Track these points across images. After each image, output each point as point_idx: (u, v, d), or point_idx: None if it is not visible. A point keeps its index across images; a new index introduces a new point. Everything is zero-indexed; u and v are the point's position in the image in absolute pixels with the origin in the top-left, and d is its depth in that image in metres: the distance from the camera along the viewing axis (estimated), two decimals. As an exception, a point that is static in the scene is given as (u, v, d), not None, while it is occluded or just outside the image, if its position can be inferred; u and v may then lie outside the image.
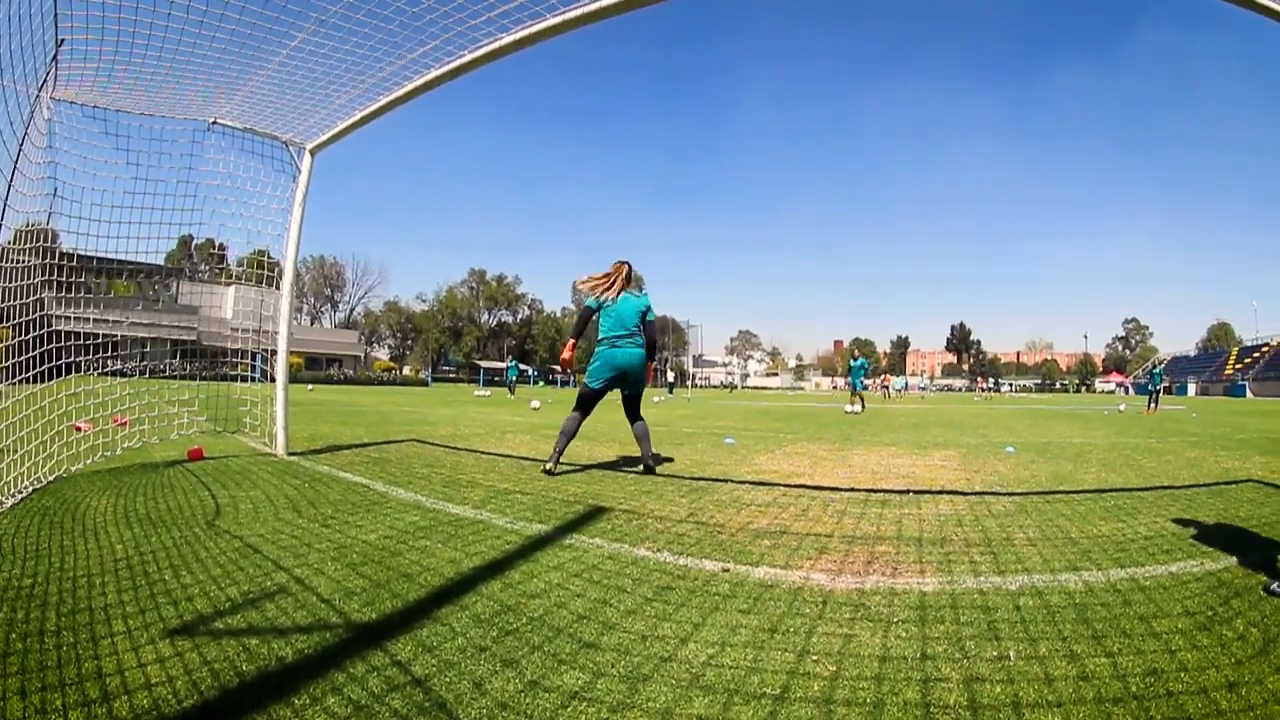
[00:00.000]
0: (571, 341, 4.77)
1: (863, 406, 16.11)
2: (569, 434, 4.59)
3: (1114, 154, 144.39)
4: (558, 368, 77.03)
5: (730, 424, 10.95)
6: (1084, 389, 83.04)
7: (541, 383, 67.40)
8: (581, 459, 5.51)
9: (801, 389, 79.29)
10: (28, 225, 4.02)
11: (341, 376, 48.22)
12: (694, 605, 2.00)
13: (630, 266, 4.80)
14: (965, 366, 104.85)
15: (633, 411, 4.86)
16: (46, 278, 4.14)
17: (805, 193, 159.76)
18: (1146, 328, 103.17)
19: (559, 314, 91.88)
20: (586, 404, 4.70)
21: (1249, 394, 51.97)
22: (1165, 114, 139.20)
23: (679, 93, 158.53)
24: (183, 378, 5.76)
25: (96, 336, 4.79)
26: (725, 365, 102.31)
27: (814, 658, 1.65)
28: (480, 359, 75.81)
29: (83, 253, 4.54)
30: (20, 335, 3.71)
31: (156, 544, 2.59)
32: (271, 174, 5.45)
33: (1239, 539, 2.90)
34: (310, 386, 30.93)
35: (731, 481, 4.44)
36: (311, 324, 74.41)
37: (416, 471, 4.65)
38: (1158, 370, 20.39)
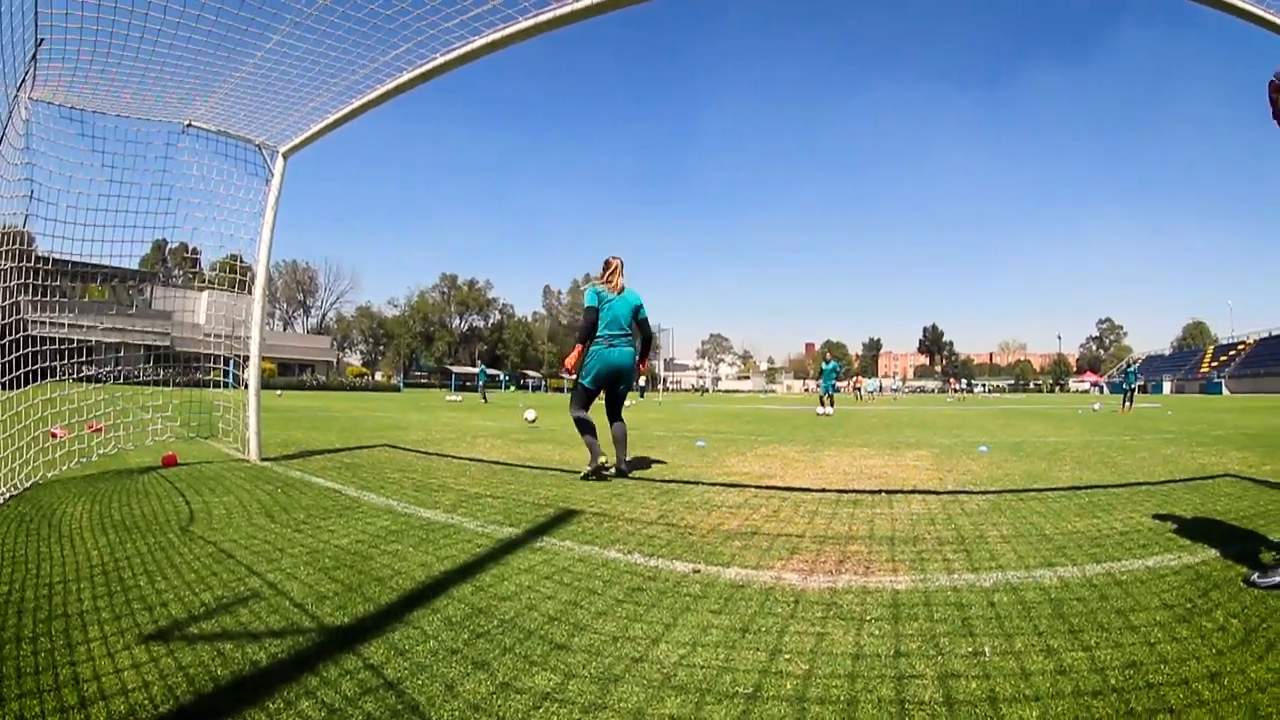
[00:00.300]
0: (579, 348, 4.74)
1: (833, 407, 16.28)
2: (591, 428, 4.63)
3: (1087, 155, 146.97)
4: (531, 372, 76.92)
5: (701, 427, 11.02)
6: (1058, 389, 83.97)
7: (513, 387, 67.14)
8: (553, 462, 5.56)
9: (773, 392, 79.41)
10: (3, 228, 3.98)
11: (314, 382, 47.49)
12: (665, 606, 2.01)
13: (622, 262, 4.89)
14: (938, 368, 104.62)
15: (614, 411, 4.93)
16: (22, 281, 4.10)
17: (777, 196, 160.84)
18: (1121, 328, 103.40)
19: (529, 318, 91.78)
20: (588, 399, 4.78)
21: (1225, 391, 52.75)
22: (1138, 114, 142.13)
23: (651, 96, 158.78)
24: (156, 383, 5.71)
25: (71, 342, 4.75)
26: (697, 369, 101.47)
27: (786, 656, 1.64)
28: (452, 364, 75.29)
29: (58, 256, 4.51)
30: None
31: (131, 550, 2.61)
32: (245, 177, 5.46)
33: (1217, 532, 2.88)
34: (279, 392, 30.46)
35: (703, 484, 4.47)
36: (284, 329, 73.31)
37: (388, 476, 4.67)
38: (1133, 369, 20.65)
